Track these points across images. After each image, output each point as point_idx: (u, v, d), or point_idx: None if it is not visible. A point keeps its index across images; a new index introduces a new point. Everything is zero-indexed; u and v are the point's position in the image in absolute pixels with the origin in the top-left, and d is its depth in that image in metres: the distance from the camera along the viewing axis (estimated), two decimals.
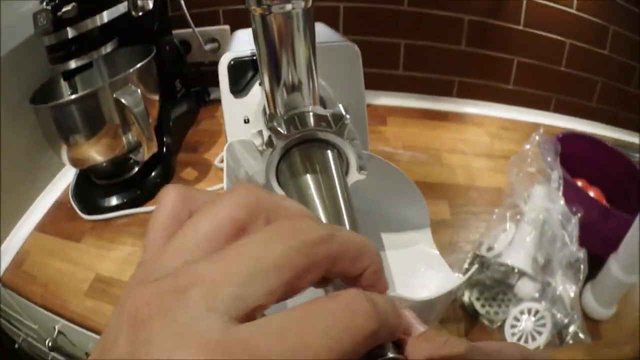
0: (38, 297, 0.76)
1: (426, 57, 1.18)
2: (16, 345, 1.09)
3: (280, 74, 0.46)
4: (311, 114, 0.47)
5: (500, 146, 1.08)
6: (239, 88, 0.67)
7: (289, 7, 0.43)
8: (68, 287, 0.76)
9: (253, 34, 0.46)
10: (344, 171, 0.51)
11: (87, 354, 0.89)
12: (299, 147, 0.48)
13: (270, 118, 0.48)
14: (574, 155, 0.82)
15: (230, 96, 0.68)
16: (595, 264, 0.69)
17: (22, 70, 0.87)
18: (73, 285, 0.76)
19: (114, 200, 0.89)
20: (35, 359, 1.15)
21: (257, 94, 0.66)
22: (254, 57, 0.65)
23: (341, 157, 0.50)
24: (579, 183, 0.84)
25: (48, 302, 0.75)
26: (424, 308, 0.42)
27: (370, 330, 0.21)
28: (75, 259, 0.81)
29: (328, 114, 0.47)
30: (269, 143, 0.48)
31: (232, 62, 0.67)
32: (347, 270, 0.24)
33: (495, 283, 0.70)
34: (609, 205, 0.81)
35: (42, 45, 0.77)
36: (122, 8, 0.83)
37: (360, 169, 0.51)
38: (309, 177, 0.45)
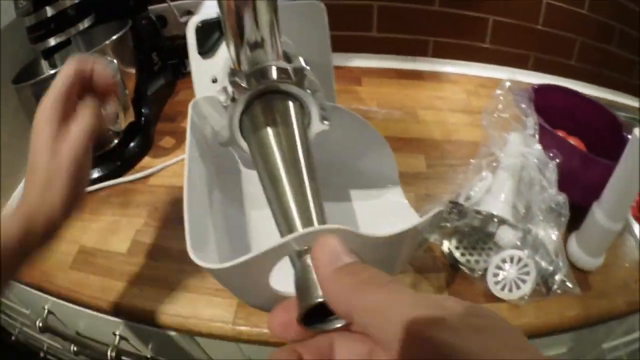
0: (24, 275, 0.76)
1: (400, 18, 1.17)
2: (13, 338, 1.11)
3: (243, 32, 0.46)
4: (272, 67, 0.48)
5: (477, 103, 1.08)
6: (206, 49, 0.68)
7: None
8: (53, 261, 0.76)
9: None
10: (306, 122, 0.51)
11: (77, 333, 0.90)
12: (261, 99, 0.49)
13: (232, 73, 0.49)
14: (548, 106, 0.81)
15: (198, 57, 0.69)
16: (577, 214, 0.68)
17: (5, 55, 0.86)
18: (57, 259, 0.76)
19: (95, 174, 0.89)
20: (31, 349, 1.17)
21: (224, 53, 0.66)
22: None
23: (303, 109, 0.51)
24: (559, 134, 0.83)
25: (35, 278, 0.75)
26: (387, 247, 0.43)
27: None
28: (59, 233, 0.81)
29: (289, 67, 0.48)
30: (233, 98, 0.48)
31: (200, 25, 0.67)
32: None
33: (474, 231, 0.70)
34: None
35: (22, 30, 0.78)
36: None
37: (323, 119, 0.51)
38: (268, 127, 0.47)
